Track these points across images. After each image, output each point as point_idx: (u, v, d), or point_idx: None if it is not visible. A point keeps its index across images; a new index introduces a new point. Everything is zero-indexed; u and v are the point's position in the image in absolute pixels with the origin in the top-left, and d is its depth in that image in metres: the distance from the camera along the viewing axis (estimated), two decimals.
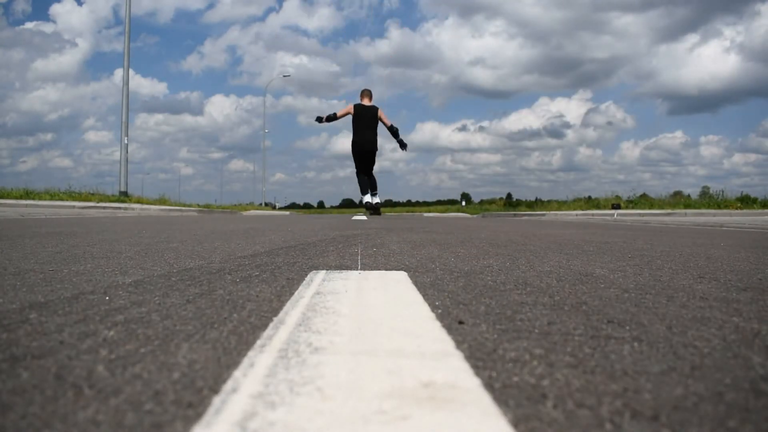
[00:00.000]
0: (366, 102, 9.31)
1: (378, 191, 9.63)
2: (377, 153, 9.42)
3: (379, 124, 9.33)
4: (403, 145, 9.75)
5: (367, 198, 9.46)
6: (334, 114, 9.42)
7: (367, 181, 9.53)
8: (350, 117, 9.32)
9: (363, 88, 9.59)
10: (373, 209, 9.53)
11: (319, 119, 9.40)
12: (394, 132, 9.37)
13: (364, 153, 9.26)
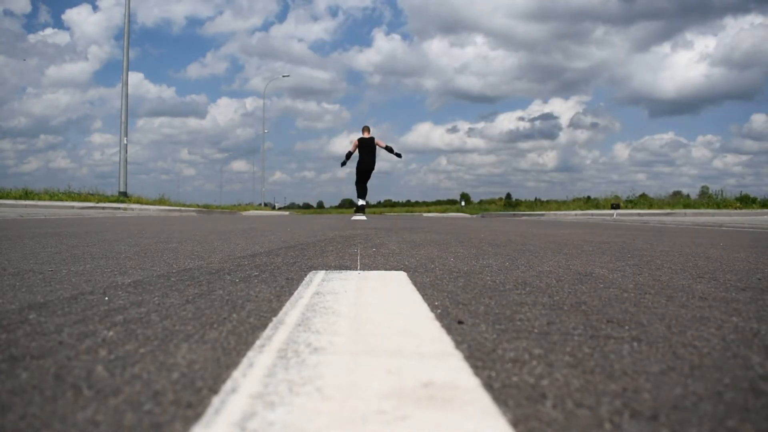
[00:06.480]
0: (366, 135, 12.12)
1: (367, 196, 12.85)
2: (374, 170, 12.67)
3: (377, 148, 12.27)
4: (398, 155, 12.63)
5: (361, 201, 12.63)
6: (349, 152, 12.15)
7: (363, 188, 12.64)
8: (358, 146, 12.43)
9: (363, 125, 12.36)
10: (362, 210, 12.59)
11: (343, 164, 12.22)
12: (389, 150, 12.17)
13: (366, 171, 12.39)
